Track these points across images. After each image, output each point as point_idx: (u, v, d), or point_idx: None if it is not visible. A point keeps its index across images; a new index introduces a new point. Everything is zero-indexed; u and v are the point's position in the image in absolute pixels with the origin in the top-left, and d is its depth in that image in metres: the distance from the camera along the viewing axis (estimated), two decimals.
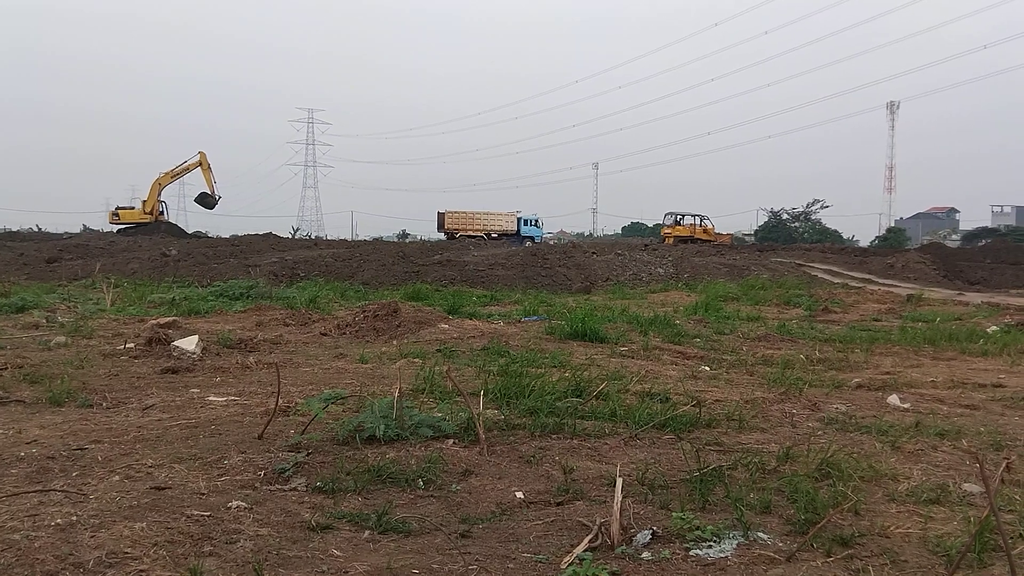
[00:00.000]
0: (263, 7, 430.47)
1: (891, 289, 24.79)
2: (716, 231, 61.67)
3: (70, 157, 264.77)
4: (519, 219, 65.63)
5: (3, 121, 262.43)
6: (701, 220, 60.39)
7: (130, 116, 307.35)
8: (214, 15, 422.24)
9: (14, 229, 64.34)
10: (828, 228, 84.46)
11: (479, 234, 60.63)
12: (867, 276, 30.17)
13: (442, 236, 62.90)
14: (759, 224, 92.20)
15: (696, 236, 56.50)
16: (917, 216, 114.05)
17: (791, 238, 76.22)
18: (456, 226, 63.18)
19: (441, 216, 64.44)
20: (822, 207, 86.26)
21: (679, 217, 60.47)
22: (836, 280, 28.87)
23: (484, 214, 65.31)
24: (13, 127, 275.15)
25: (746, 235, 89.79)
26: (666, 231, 59.40)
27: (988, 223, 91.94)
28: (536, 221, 67.00)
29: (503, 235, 61.98)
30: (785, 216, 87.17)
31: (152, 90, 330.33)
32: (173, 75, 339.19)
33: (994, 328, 13.67)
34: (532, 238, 61.84)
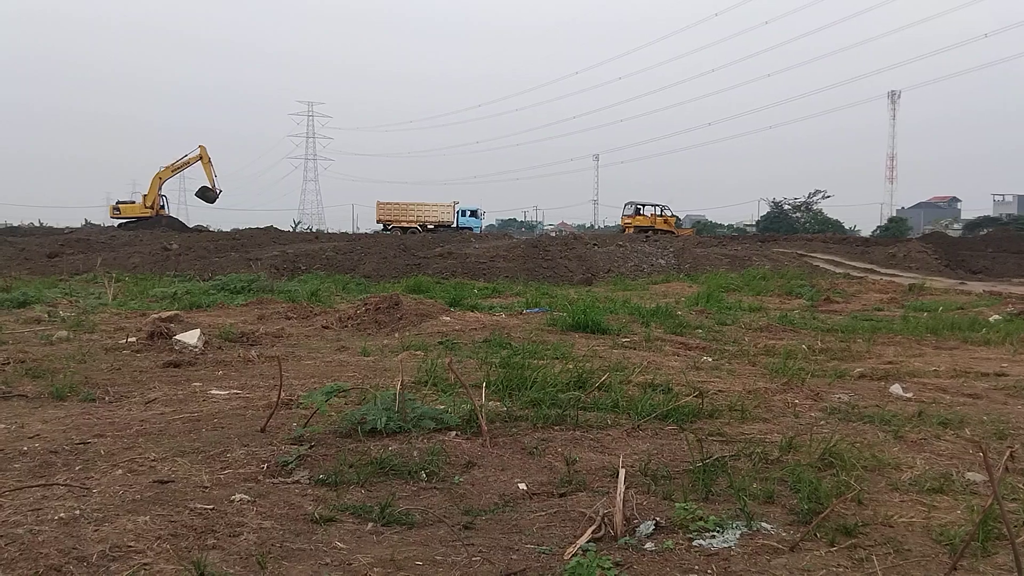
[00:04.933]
0: (260, 11, 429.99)
1: (893, 279, 24.80)
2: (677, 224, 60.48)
3: (72, 161, 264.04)
4: (458, 211, 63.66)
5: (6, 125, 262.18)
6: (662, 210, 58.97)
7: (130, 120, 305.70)
8: (212, 20, 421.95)
9: (15, 224, 64.09)
10: (829, 218, 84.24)
11: (413, 225, 59.11)
12: (869, 266, 30.15)
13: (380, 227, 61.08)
14: (760, 215, 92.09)
15: (657, 227, 54.94)
16: (919, 206, 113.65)
17: (792, 228, 76.03)
18: (388, 217, 61.40)
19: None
20: (823, 197, 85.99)
21: (639, 207, 59.02)
22: (838, 270, 28.86)
23: (417, 205, 63.39)
24: (15, 131, 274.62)
25: (747, 226, 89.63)
26: (626, 221, 57.64)
27: (990, 212, 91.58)
28: (475, 212, 65.14)
29: (439, 226, 59.79)
30: (787, 206, 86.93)
31: (151, 94, 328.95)
32: (173, 80, 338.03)
33: (996, 317, 13.67)
34: (471, 229, 59.46)
